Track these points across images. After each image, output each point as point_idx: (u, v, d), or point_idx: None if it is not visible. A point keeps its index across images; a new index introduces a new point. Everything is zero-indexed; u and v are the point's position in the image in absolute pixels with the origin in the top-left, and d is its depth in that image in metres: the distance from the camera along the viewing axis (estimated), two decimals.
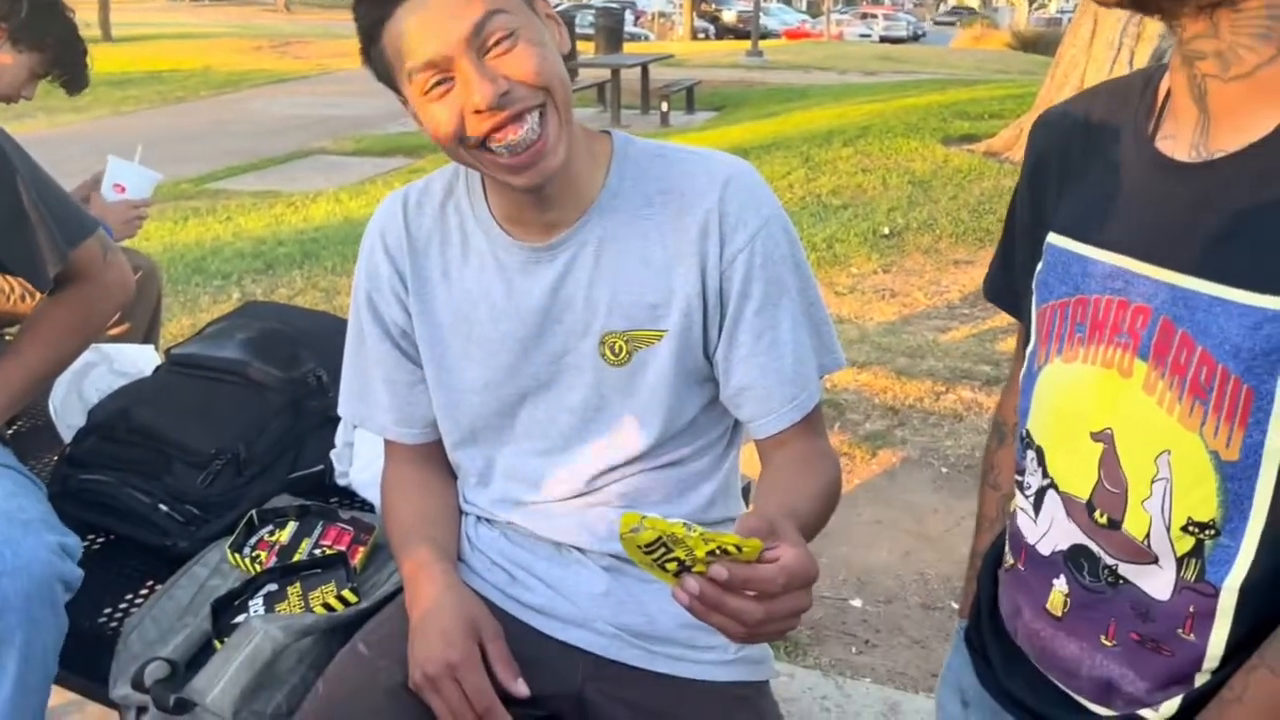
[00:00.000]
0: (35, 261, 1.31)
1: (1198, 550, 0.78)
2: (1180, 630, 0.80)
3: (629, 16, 29.65)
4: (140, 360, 1.77)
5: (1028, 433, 0.91)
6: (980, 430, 3.27)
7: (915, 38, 36.98)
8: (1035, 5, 48.47)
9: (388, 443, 1.22)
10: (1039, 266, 0.92)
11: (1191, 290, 0.77)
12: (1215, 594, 0.78)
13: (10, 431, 1.60)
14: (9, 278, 2.02)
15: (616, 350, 1.08)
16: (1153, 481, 0.80)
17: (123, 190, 2.11)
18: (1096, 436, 0.84)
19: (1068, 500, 0.87)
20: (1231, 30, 0.75)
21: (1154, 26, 7.80)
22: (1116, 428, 0.82)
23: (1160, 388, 0.79)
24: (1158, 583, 0.81)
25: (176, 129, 11.08)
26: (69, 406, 1.65)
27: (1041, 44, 26.02)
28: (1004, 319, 4.33)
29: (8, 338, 2.15)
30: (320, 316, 1.87)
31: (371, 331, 1.16)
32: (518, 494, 1.16)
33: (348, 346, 1.20)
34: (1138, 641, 0.83)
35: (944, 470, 3.03)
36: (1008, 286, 1.02)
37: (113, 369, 1.71)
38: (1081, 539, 0.86)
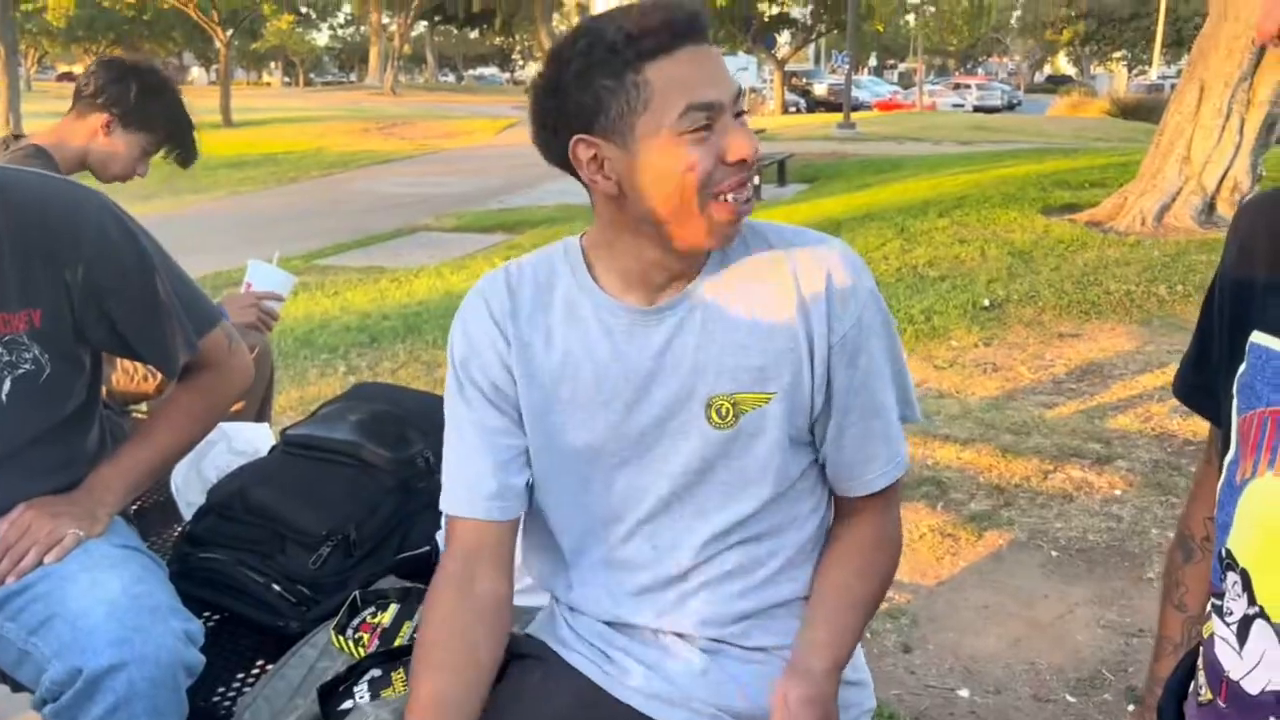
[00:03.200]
0: (168, 352, 1.38)
1: None
2: None
3: None
4: (256, 439, 1.83)
5: (1228, 552, 0.85)
6: (1090, 511, 3.14)
7: (1010, 107, 36.67)
8: (1135, 71, 47.63)
9: (452, 527, 1.17)
10: (1241, 368, 0.86)
11: None
12: None
13: (134, 508, 1.66)
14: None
15: (724, 413, 1.10)
16: None
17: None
18: None
19: None
20: None
21: (1265, 92, 7.58)
22: None
23: None
24: None
25: (289, 207, 11.62)
26: (189, 484, 1.72)
27: (1142, 110, 25.52)
28: (1114, 395, 4.19)
29: (135, 415, 2.26)
30: (427, 397, 1.91)
31: (473, 395, 1.15)
32: (615, 581, 1.16)
33: (449, 441, 1.18)
34: None
35: (1054, 554, 2.92)
36: (1201, 385, 0.96)
37: (231, 448, 1.78)
38: None
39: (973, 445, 3.66)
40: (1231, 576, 0.84)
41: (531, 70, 62.44)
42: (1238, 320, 0.88)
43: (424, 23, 52.86)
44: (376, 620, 1.40)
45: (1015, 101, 38.83)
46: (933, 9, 38.35)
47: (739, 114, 1.03)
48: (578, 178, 1.08)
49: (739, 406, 1.10)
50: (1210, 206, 7.86)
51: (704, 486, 1.12)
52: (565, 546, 1.20)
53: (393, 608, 1.41)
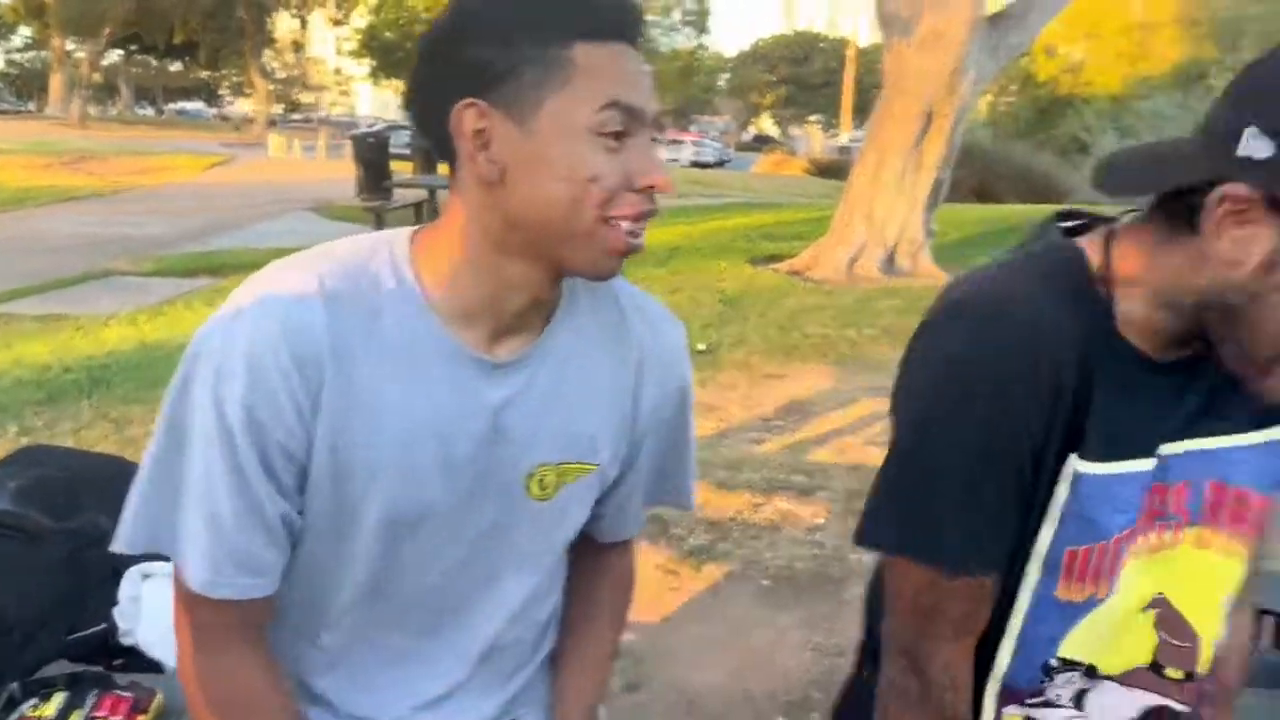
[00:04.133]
0: None
1: None
2: None
3: None
4: None
5: (1060, 661, 0.90)
6: (797, 540, 3.36)
7: (721, 163, 39.11)
8: (829, 133, 52.39)
9: (193, 605, 0.91)
10: (1064, 498, 0.85)
11: (1221, 448, 0.87)
12: None
13: None
14: None
15: (545, 485, 0.98)
16: (1221, 622, 0.90)
17: None
18: (1147, 608, 0.88)
19: (1122, 675, 0.90)
20: None
21: (932, 158, 8.57)
22: (1169, 591, 0.88)
23: (1216, 540, 0.87)
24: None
25: None
26: None
27: (836, 170, 28.08)
28: (815, 430, 4.52)
29: None
30: (105, 459, 1.73)
31: (248, 456, 0.86)
32: (383, 682, 1.01)
33: (154, 469, 0.90)
34: None
35: (765, 583, 3.08)
36: (1006, 545, 0.88)
37: None
38: (1158, 700, 0.90)
39: None
40: (1067, 674, 0.90)
41: (243, 106, 59.32)
42: (1039, 454, 0.85)
43: (118, 51, 48.95)
44: (38, 713, 1.23)
45: (726, 158, 41.47)
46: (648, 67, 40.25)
47: (655, 139, 0.89)
48: (446, 158, 0.89)
49: (563, 477, 0.99)
50: (891, 259, 8.77)
51: (504, 560, 1.00)
52: (332, 632, 1.00)
53: (58, 697, 1.25)
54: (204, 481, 0.87)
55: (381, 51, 36.47)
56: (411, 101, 0.90)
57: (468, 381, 0.91)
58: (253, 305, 0.87)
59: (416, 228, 0.95)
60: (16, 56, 60.00)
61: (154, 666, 1.37)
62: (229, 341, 0.86)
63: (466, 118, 0.84)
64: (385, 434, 0.89)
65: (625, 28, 0.87)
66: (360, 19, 41.13)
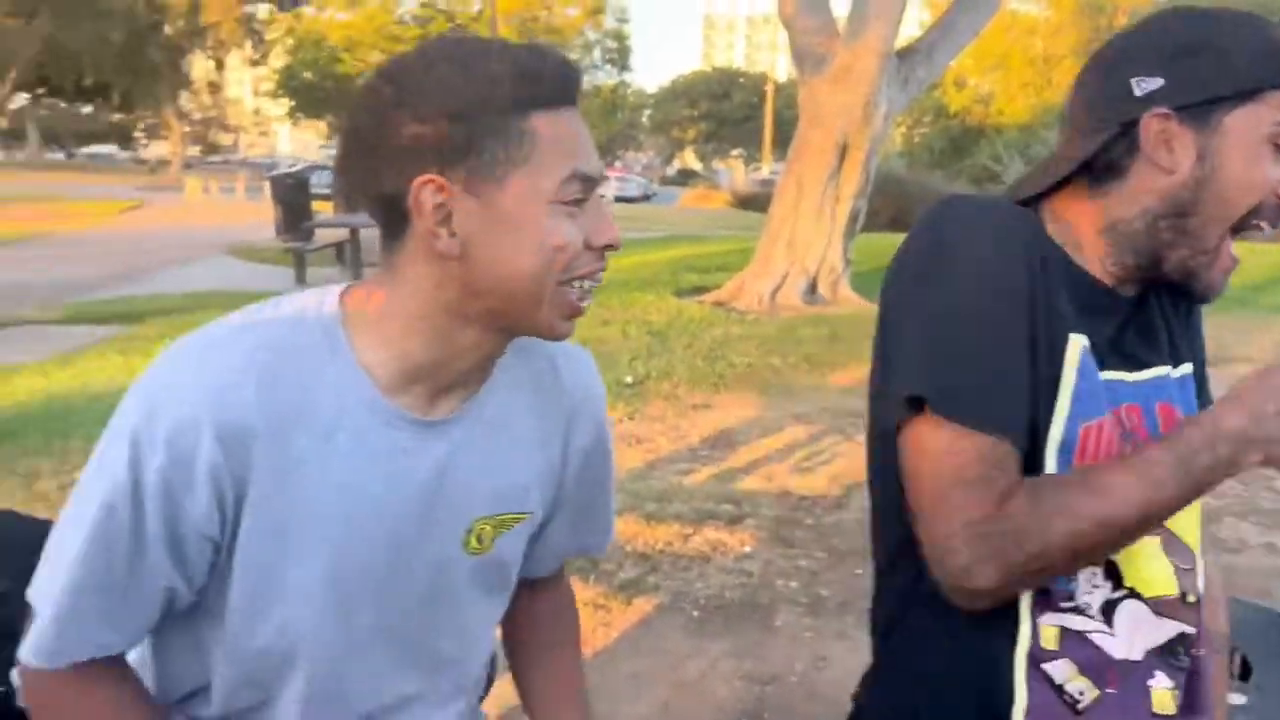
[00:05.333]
0: None
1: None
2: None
3: None
4: None
5: None
6: (726, 569, 3.37)
7: (646, 197, 39.45)
8: (751, 167, 53.24)
9: (39, 688, 0.91)
10: (1071, 378, 0.93)
11: (1155, 377, 1.00)
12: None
13: None
14: None
15: (482, 539, 0.98)
16: (1199, 540, 0.98)
17: None
18: (1150, 533, 0.93)
19: (1158, 603, 0.95)
20: None
21: (849, 189, 8.76)
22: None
23: None
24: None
25: None
26: None
27: (758, 202, 28.45)
28: (742, 459, 4.55)
29: None
30: (8, 516, 1.67)
31: (151, 527, 0.85)
32: (319, 715, 0.97)
33: (68, 536, 0.87)
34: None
35: (695, 614, 3.09)
36: (1020, 404, 0.92)
37: None
38: (1181, 627, 0.96)
39: (621, 516, 3.81)
40: (1088, 571, 0.94)
41: (159, 149, 58.10)
42: (1031, 319, 0.92)
43: (24, 95, 47.63)
44: None
45: (651, 193, 41.86)
46: None
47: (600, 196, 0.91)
48: (388, 224, 0.87)
49: (498, 529, 0.99)
50: (813, 287, 8.92)
51: (440, 618, 1.00)
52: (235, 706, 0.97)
53: None
54: (94, 542, 0.85)
55: (300, 91, 36.12)
56: (349, 165, 0.87)
57: (405, 443, 0.90)
58: (179, 382, 0.85)
59: (344, 286, 0.94)
60: None
61: None
62: (152, 419, 0.84)
63: (425, 193, 0.83)
64: (319, 507, 0.88)
65: (570, 93, 0.88)
66: (277, 60, 40.70)
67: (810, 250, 8.80)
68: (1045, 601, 0.94)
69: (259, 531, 0.87)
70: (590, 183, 0.87)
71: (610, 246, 0.89)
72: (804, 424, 4.99)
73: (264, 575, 0.89)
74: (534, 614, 1.17)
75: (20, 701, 1.36)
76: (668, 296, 8.64)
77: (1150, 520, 0.88)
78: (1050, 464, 0.92)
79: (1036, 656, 0.94)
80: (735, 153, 60.42)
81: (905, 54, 8.88)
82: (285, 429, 0.86)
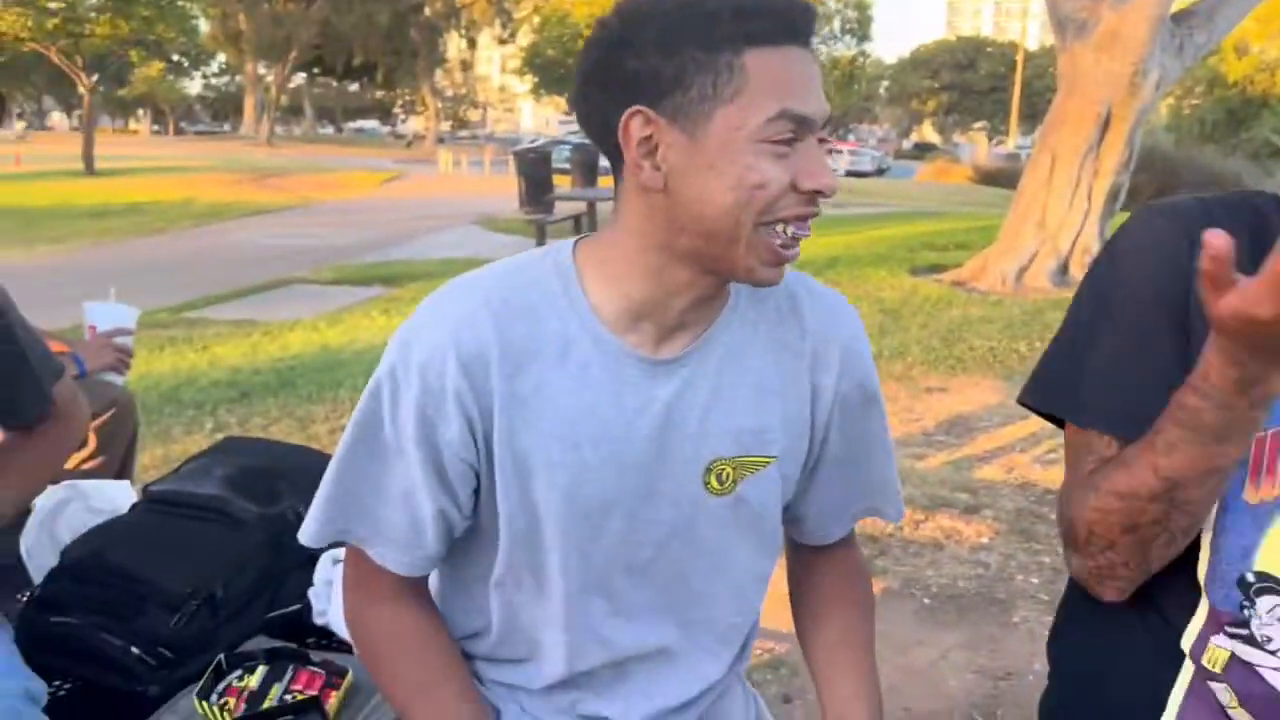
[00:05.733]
0: (19, 405, 1.31)
1: None
2: None
3: None
4: (117, 497, 1.74)
5: (1261, 574, 0.85)
6: (960, 559, 3.25)
7: (880, 172, 38.33)
8: (994, 140, 50.53)
9: (365, 576, 1.02)
10: None
11: None
12: None
13: None
14: None
15: (723, 479, 0.98)
16: None
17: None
18: None
19: None
20: None
21: (1110, 163, 8.15)
22: None
23: None
24: None
25: (156, 260, 11.17)
26: (40, 546, 1.61)
27: (1002, 178, 27.04)
28: (980, 447, 4.36)
29: None
30: (301, 450, 1.85)
31: (415, 454, 0.93)
32: (581, 659, 1.02)
33: (345, 464, 0.98)
34: None
35: (926, 601, 3.00)
36: (1143, 405, 0.87)
37: (89, 506, 1.68)
38: None
39: None
40: (1270, 599, 0.84)
41: (415, 125, 62.14)
42: (1185, 329, 0.87)
43: (302, 74, 52.21)
44: (243, 684, 1.33)
45: (885, 167, 40.63)
46: None
47: (822, 141, 0.89)
48: (612, 159, 0.91)
49: (740, 471, 0.99)
50: (1064, 268, 8.37)
51: (691, 557, 1.01)
52: (518, 634, 1.04)
53: (260, 670, 1.35)
54: (378, 480, 0.96)
55: (543, 68, 37.51)
56: (578, 100, 0.91)
57: (633, 381, 0.94)
58: (427, 322, 0.94)
59: (579, 237, 0.99)
60: (214, 81, 64.87)
61: (345, 646, 1.46)
62: (406, 356, 0.93)
63: (634, 125, 0.86)
64: (554, 433, 0.93)
65: (797, 31, 0.86)
66: (524, 38, 42.43)
67: (1064, 229, 8.25)
68: (1214, 621, 0.87)
69: (508, 459, 0.94)
70: (804, 123, 0.85)
71: (819, 192, 0.87)
72: None
73: (520, 497, 0.95)
74: (818, 579, 1.14)
75: (316, 619, 1.51)
76: (902, 274, 8.36)
77: (1178, 486, 0.82)
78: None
79: (1204, 673, 0.88)
80: (978, 125, 57.48)
81: (1182, 16, 8.11)
82: (521, 359, 0.92)
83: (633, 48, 0.85)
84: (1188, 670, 0.90)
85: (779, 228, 0.87)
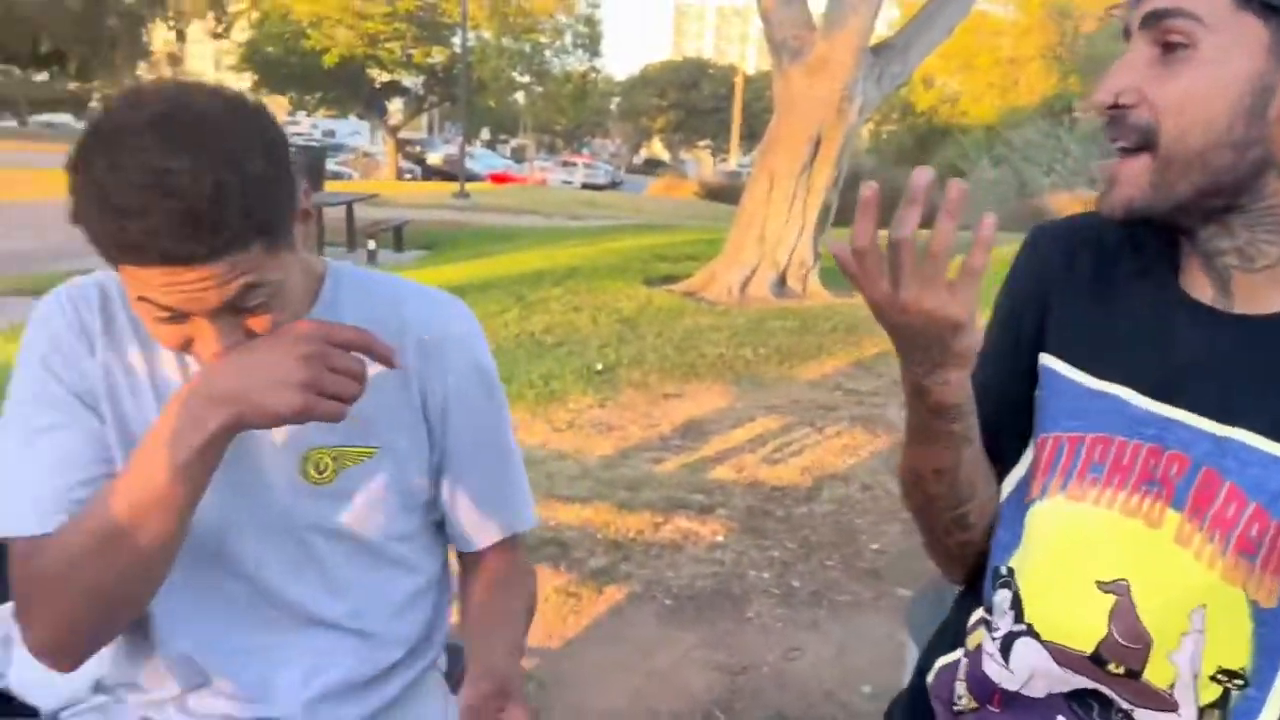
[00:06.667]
0: None
1: (1223, 700, 0.76)
2: None
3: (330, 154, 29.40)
4: None
5: (1009, 570, 0.86)
6: (697, 559, 3.36)
7: (614, 185, 39.37)
8: (719, 158, 53.26)
9: (29, 555, 0.93)
10: (1037, 390, 0.89)
11: (1240, 442, 0.76)
12: None
13: None
14: None
15: (321, 468, 1.02)
16: (1183, 636, 0.77)
17: None
18: (1106, 587, 0.80)
19: (1058, 651, 0.82)
20: (1246, 228, 0.78)
21: (821, 181, 8.78)
22: (1135, 580, 0.79)
23: (1198, 540, 0.77)
24: None
25: None
26: None
27: (726, 193, 28.53)
28: (713, 449, 4.54)
29: None
30: None
31: (52, 391, 0.96)
32: (190, 671, 1.06)
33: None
34: None
35: (667, 602, 3.07)
36: (1009, 396, 0.92)
37: None
38: (1090, 685, 0.82)
39: (591, 504, 3.78)
40: (1004, 593, 0.86)
41: None
42: (1032, 340, 0.91)
43: None
44: None
45: (618, 181, 41.73)
46: (541, 89, 40.35)
47: (253, 309, 0.87)
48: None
49: (340, 461, 1.02)
50: (782, 280, 8.93)
51: (294, 547, 1.04)
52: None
53: None
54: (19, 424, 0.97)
55: (264, 66, 35.45)
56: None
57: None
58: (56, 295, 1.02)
59: None
60: None
61: (28, 710, 1.28)
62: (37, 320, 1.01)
63: None
64: (142, 416, 0.96)
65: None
66: (241, 34, 39.98)
67: (781, 243, 8.80)
68: (976, 600, 0.94)
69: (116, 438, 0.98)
70: (171, 312, 0.85)
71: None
72: (775, 415, 4.99)
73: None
74: (479, 585, 1.16)
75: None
76: (638, 285, 8.59)
77: (920, 479, 0.88)
78: (1017, 474, 0.94)
79: (967, 654, 0.93)
80: (703, 144, 60.34)
81: (880, 49, 8.89)
82: (125, 341, 0.98)
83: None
84: (959, 651, 0.95)
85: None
